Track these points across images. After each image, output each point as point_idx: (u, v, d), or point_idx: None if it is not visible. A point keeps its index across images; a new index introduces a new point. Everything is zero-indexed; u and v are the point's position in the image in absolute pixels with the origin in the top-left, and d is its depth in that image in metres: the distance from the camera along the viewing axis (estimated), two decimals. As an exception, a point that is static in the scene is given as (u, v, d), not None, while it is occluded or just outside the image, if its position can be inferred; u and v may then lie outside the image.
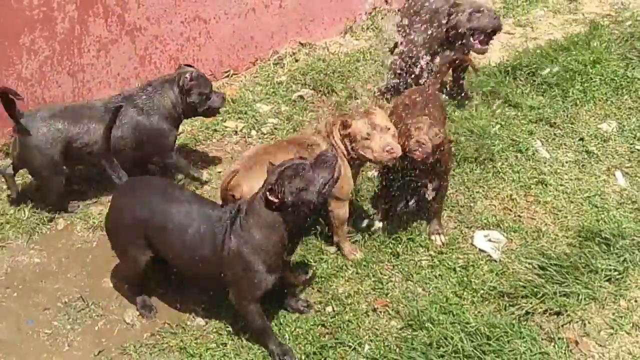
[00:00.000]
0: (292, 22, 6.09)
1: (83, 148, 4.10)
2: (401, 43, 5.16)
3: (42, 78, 4.77)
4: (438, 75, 4.87)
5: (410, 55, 5.07)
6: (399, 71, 5.20)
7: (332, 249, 4.03)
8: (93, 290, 3.82)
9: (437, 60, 5.02)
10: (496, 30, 4.92)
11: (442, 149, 3.75)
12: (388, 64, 5.30)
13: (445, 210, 4.34)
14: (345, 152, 3.78)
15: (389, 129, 3.68)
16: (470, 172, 4.64)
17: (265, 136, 5.10)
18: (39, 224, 4.25)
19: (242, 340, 3.47)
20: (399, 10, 5.38)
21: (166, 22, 5.27)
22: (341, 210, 3.87)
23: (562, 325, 3.55)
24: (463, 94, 5.43)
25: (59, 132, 4.03)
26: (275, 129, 5.19)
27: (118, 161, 3.61)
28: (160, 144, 4.35)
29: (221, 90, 5.26)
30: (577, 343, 3.46)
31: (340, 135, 3.76)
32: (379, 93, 5.47)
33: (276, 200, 3.09)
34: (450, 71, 5.33)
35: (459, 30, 4.89)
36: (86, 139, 4.09)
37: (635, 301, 3.69)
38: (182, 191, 3.54)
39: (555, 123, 5.16)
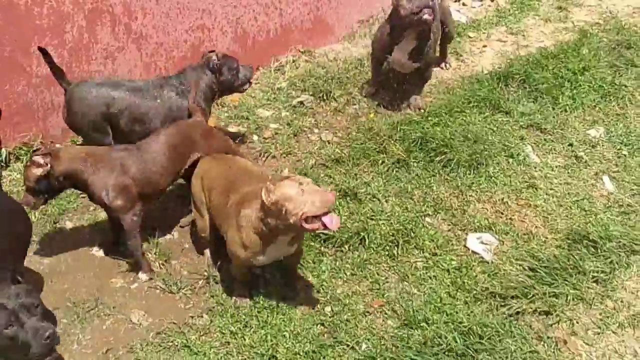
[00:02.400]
0: (293, 29, 6.12)
1: (117, 113, 4.28)
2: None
3: (52, 84, 4.76)
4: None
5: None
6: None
7: (331, 251, 4.04)
8: (101, 290, 3.84)
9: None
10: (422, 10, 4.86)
11: None
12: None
13: (439, 213, 4.37)
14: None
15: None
16: (464, 176, 4.66)
17: (267, 141, 5.12)
18: (47, 226, 4.27)
19: (244, 339, 3.49)
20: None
21: (171, 31, 5.29)
22: (234, 270, 3.68)
23: (551, 325, 3.57)
24: (409, 102, 5.55)
25: (101, 98, 4.24)
26: (276, 133, 5.21)
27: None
28: None
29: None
30: (565, 342, 3.48)
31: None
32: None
33: None
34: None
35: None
36: (121, 105, 4.27)
37: (622, 301, 3.71)
38: None
39: (545, 129, 5.18)
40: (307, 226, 3.13)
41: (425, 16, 4.83)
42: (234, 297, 3.75)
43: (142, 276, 3.91)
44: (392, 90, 5.71)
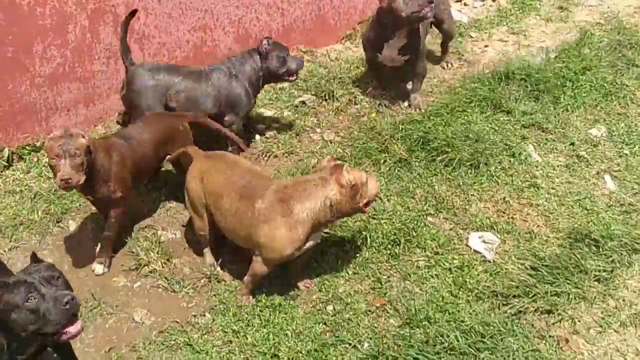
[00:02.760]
0: (295, 29, 6.11)
1: (173, 96, 4.55)
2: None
3: (54, 84, 4.78)
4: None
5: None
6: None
7: (333, 249, 4.03)
8: (104, 289, 3.84)
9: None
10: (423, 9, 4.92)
11: None
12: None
13: (441, 212, 4.37)
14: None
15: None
16: (466, 175, 4.66)
17: (269, 140, 5.12)
18: (50, 225, 4.27)
19: (247, 338, 3.48)
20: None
21: (173, 31, 5.28)
22: (259, 267, 3.58)
23: (553, 324, 3.57)
24: (409, 99, 5.60)
25: (158, 80, 4.51)
26: (278, 133, 5.20)
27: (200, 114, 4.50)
28: (237, 105, 4.74)
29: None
30: (567, 341, 3.48)
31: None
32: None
33: None
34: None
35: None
36: (177, 88, 4.54)
37: (623, 300, 3.71)
38: None
39: (547, 128, 5.18)
40: (366, 209, 3.58)
41: (428, 13, 4.92)
42: (241, 296, 3.75)
43: (98, 268, 3.92)
44: (393, 90, 5.72)
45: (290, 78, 4.86)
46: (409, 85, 5.64)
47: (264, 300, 3.69)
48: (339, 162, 3.60)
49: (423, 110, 5.41)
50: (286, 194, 3.44)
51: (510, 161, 4.80)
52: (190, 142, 4.29)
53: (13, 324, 2.60)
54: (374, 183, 3.59)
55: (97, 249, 4.00)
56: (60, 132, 3.54)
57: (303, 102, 5.57)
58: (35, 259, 2.85)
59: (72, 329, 2.65)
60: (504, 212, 4.38)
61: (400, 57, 5.32)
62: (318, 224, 3.46)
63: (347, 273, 3.92)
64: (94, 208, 4.27)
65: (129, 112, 4.70)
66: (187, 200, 3.88)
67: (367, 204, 3.58)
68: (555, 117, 5.30)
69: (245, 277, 3.72)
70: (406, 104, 5.59)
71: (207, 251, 4.01)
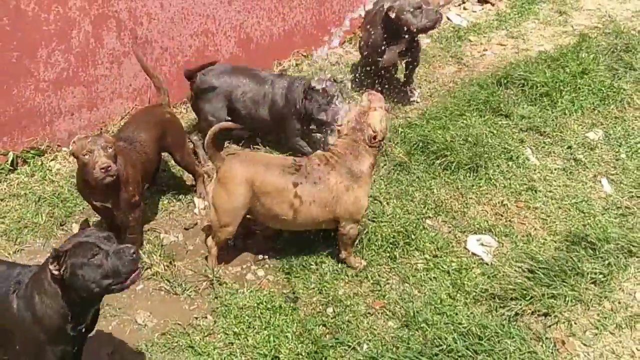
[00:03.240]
0: (295, 33, 6.14)
1: (239, 98, 4.80)
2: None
3: (59, 89, 4.82)
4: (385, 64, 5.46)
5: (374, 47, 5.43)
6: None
7: (333, 252, 4.05)
8: (107, 291, 3.87)
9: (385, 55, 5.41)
10: (436, 24, 5.15)
11: None
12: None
13: (440, 215, 4.40)
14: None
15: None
16: (464, 178, 4.69)
17: (271, 144, 5.14)
18: (54, 228, 4.31)
19: (248, 340, 3.51)
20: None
21: (175, 36, 5.31)
22: (353, 230, 3.87)
23: (550, 326, 3.59)
24: (409, 88, 5.74)
25: (225, 84, 4.77)
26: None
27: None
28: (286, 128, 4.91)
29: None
30: (563, 343, 3.50)
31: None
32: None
33: (56, 272, 2.71)
34: (404, 65, 5.72)
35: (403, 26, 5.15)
36: (240, 91, 4.80)
37: (619, 303, 3.73)
38: None
39: (544, 132, 5.20)
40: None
41: (439, 25, 5.17)
42: (353, 265, 3.96)
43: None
44: (392, 94, 5.75)
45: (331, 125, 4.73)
46: (410, 94, 5.74)
47: (264, 303, 3.72)
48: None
49: (420, 102, 5.63)
50: (336, 165, 3.78)
51: (508, 164, 4.83)
52: (182, 128, 4.37)
53: (83, 282, 2.70)
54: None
55: None
56: (84, 135, 3.60)
57: (303, 106, 5.59)
58: (86, 224, 2.97)
59: (134, 276, 2.79)
60: (502, 215, 4.41)
61: (400, 59, 5.50)
62: (373, 168, 3.89)
63: (347, 276, 3.94)
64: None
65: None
66: (221, 209, 3.77)
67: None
68: (553, 120, 5.32)
69: (342, 253, 3.96)
70: (414, 97, 5.73)
71: (215, 255, 4.01)
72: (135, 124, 4.18)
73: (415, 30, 5.11)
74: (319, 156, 3.87)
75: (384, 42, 5.33)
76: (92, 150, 3.53)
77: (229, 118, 4.77)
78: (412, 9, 5.05)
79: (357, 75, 5.98)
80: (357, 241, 4.02)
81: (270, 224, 3.95)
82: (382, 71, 5.66)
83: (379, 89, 5.71)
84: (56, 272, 2.70)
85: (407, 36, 5.21)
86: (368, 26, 5.55)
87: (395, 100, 5.69)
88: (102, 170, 3.52)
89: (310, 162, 3.82)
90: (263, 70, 5.13)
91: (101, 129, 5.12)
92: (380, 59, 5.40)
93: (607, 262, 3.92)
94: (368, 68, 5.65)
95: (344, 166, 3.76)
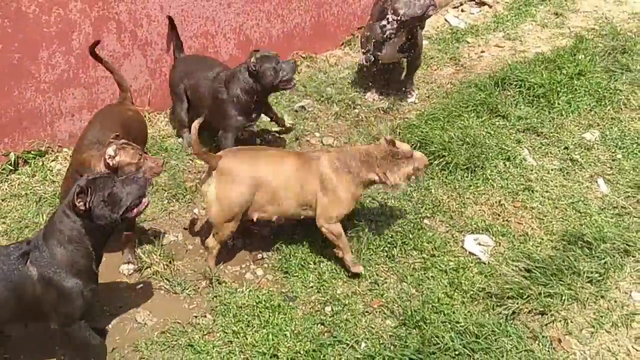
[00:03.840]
0: (294, 35, 6.15)
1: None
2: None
3: (59, 90, 4.82)
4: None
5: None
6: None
7: (331, 251, 4.02)
8: (106, 291, 3.85)
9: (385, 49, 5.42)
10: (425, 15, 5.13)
11: None
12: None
13: (437, 215, 4.41)
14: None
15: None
16: (462, 178, 4.69)
17: (269, 143, 5.16)
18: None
19: (246, 338, 3.52)
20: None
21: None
22: (333, 226, 3.83)
23: (546, 324, 3.60)
24: (406, 88, 5.77)
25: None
26: (278, 137, 5.24)
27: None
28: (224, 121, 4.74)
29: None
30: (560, 341, 3.51)
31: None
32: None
33: (83, 208, 2.99)
34: (405, 63, 5.75)
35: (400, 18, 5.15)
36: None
37: (615, 301, 3.73)
38: None
39: (541, 132, 5.21)
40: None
41: (431, 12, 5.13)
42: (354, 269, 3.91)
43: (128, 267, 3.99)
44: (391, 95, 5.76)
45: (288, 86, 4.64)
46: (408, 95, 5.77)
47: (263, 302, 3.73)
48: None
49: (418, 103, 5.66)
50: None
51: (505, 165, 4.84)
52: (145, 125, 4.39)
53: (106, 212, 3.05)
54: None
55: (125, 253, 4.04)
56: (114, 145, 3.61)
57: (302, 107, 5.60)
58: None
59: (141, 206, 3.21)
60: (499, 215, 4.41)
61: (399, 55, 5.50)
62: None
63: (345, 275, 3.95)
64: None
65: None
66: (225, 205, 3.77)
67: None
68: (550, 121, 5.33)
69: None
70: (412, 99, 5.75)
71: (215, 255, 4.01)
72: (99, 124, 4.08)
73: (406, 19, 5.07)
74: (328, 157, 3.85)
75: (383, 36, 5.32)
76: (138, 157, 3.64)
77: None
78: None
79: (355, 77, 6.00)
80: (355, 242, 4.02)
81: (265, 214, 3.93)
82: (383, 68, 5.68)
83: (382, 83, 5.76)
84: (83, 207, 2.97)
85: (405, 29, 5.19)
86: (368, 18, 5.61)
87: (393, 101, 5.70)
88: (159, 166, 3.77)
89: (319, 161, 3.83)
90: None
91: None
92: (379, 53, 5.41)
93: (603, 261, 3.92)
94: (368, 65, 5.65)
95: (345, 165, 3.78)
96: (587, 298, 3.73)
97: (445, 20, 7.19)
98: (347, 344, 3.49)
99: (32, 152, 4.82)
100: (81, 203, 2.99)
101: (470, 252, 4.11)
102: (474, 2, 7.58)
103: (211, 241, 3.95)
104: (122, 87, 4.47)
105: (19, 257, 3.03)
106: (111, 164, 3.58)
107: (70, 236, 3.04)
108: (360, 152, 3.83)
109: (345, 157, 3.81)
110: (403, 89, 5.81)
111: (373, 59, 5.40)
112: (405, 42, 5.38)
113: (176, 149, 5.05)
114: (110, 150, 3.58)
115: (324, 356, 3.43)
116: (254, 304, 3.73)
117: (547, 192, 4.60)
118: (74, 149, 4.12)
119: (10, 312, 3.07)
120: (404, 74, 5.85)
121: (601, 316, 3.65)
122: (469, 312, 3.65)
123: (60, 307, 3.09)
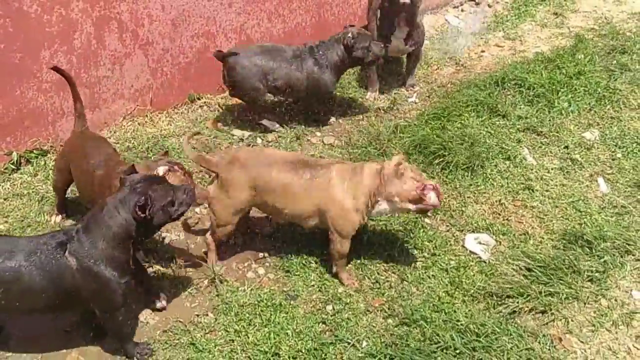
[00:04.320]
0: (295, 35, 6.14)
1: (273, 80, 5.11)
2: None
3: (61, 89, 4.81)
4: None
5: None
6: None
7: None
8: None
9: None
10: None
11: None
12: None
13: (438, 214, 4.40)
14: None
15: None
16: (462, 178, 4.69)
17: (270, 144, 5.16)
18: (56, 227, 4.30)
19: (248, 337, 3.52)
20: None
21: (176, 37, 5.32)
22: (343, 246, 3.78)
23: (547, 323, 3.60)
24: (407, 90, 5.89)
25: (257, 66, 5.06)
26: (279, 137, 5.24)
27: (291, 97, 5.40)
28: (323, 91, 5.29)
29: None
30: (560, 340, 3.51)
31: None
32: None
33: (143, 215, 3.06)
34: (405, 58, 5.96)
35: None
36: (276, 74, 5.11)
37: (615, 300, 3.73)
38: None
39: (541, 132, 5.21)
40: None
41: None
42: (348, 283, 3.87)
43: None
44: (392, 94, 5.76)
45: (373, 64, 5.40)
46: (408, 95, 5.77)
47: (265, 301, 3.73)
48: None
49: (418, 103, 5.69)
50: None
51: (505, 164, 4.84)
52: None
53: (164, 218, 3.22)
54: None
55: None
56: (166, 167, 3.59)
57: (303, 107, 5.62)
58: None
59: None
60: (499, 214, 4.41)
61: (406, 48, 5.64)
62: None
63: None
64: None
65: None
66: (219, 212, 3.80)
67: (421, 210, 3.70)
68: (549, 121, 5.32)
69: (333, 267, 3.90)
70: (412, 98, 5.76)
71: (214, 252, 4.01)
72: (88, 150, 3.91)
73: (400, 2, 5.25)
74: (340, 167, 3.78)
75: (385, 27, 5.45)
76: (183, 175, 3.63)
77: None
78: None
79: (356, 77, 5.99)
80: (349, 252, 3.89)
81: (273, 216, 4.02)
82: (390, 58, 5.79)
83: (379, 90, 5.77)
84: (143, 215, 3.05)
85: (401, 15, 5.34)
86: (370, 14, 5.79)
87: (394, 100, 5.69)
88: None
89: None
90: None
91: (99, 130, 5.12)
92: (388, 44, 5.45)
93: (603, 260, 3.92)
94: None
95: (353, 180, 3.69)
96: (588, 297, 3.73)
97: (446, 20, 7.18)
98: (349, 343, 3.49)
99: (34, 152, 4.82)
100: (141, 212, 3.06)
101: (470, 251, 4.10)
102: (474, 2, 7.57)
103: (208, 238, 3.97)
104: (80, 115, 4.13)
105: (56, 246, 3.07)
106: None
107: (116, 232, 3.10)
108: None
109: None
110: (404, 85, 5.83)
111: (384, 52, 5.37)
112: (409, 34, 5.52)
113: (177, 149, 5.04)
114: (160, 170, 3.56)
115: (325, 355, 3.43)
116: (256, 302, 3.73)
117: (547, 191, 4.60)
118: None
119: (46, 300, 3.10)
120: (405, 67, 5.95)
121: (602, 315, 3.65)
122: (469, 311, 3.65)
123: (100, 296, 3.17)
